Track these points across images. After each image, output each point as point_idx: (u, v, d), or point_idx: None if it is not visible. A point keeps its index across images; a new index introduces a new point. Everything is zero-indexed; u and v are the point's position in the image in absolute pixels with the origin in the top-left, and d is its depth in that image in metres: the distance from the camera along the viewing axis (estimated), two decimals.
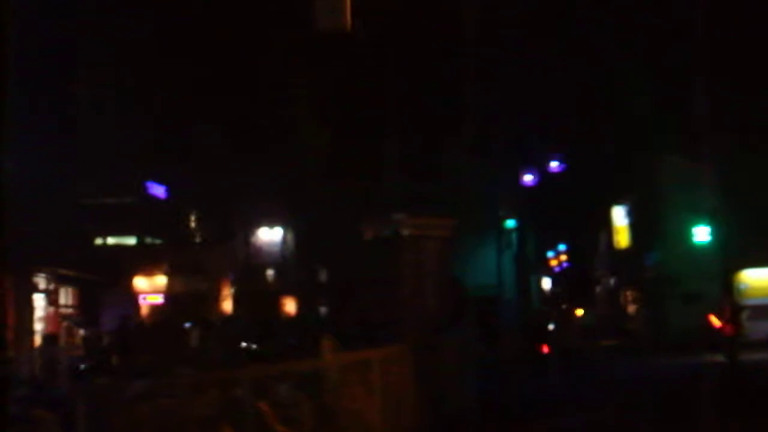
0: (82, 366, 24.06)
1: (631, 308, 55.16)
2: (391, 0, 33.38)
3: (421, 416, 15.18)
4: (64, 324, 34.55)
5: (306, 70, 39.05)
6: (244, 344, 31.54)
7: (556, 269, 76.37)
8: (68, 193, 37.99)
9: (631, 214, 52.68)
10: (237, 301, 46.46)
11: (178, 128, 40.32)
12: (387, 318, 17.24)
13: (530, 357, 31.17)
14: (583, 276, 71.01)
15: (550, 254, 72.94)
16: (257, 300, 45.09)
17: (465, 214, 38.57)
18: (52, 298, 34.49)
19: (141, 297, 42.37)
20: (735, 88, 39.92)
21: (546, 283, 74.97)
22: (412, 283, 15.19)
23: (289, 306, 48.93)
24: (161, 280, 43.05)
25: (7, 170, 7.64)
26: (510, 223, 40.36)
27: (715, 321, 28.30)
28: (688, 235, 43.65)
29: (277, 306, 47.80)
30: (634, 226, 52.33)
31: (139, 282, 42.84)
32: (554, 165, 37.72)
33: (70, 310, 36.37)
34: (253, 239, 50.12)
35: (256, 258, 49.91)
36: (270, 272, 50.45)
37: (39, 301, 33.32)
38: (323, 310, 46.88)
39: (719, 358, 27.76)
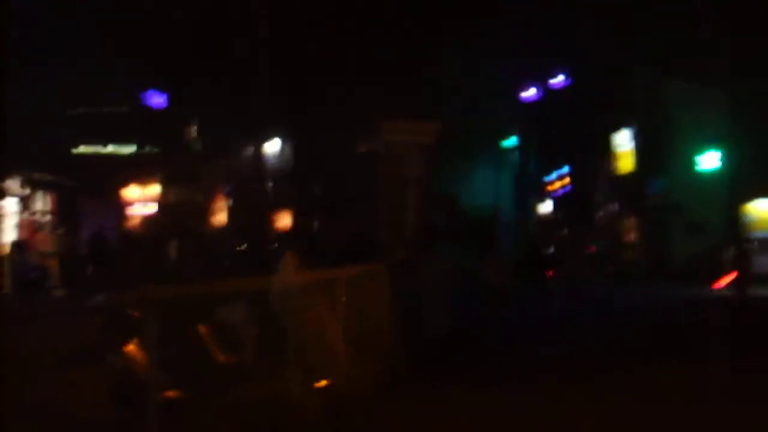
0: (32, 275, 22.78)
1: (632, 236, 53.81)
2: None
3: (395, 341, 13.66)
4: (40, 231, 33.18)
5: None
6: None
7: (557, 193, 74.48)
8: (57, 101, 36.42)
9: (636, 138, 50.85)
10: (231, 213, 45.47)
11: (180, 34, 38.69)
12: (369, 234, 15.76)
13: (527, 282, 29.58)
14: (586, 201, 69.69)
15: (551, 177, 71.05)
16: (251, 212, 44.10)
17: (462, 131, 37.05)
18: (26, 204, 33.02)
19: (130, 206, 41.08)
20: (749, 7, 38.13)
21: (546, 207, 73.33)
22: (391, 196, 13.54)
23: (285, 220, 48.03)
24: (154, 190, 41.76)
25: None
26: (511, 141, 38.56)
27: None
28: (694, 162, 42.12)
29: (271, 219, 46.92)
30: (639, 151, 50.54)
31: (131, 191, 41.44)
32: (558, 80, 35.70)
33: (46, 217, 34.92)
34: (250, 151, 49.03)
35: (253, 170, 48.93)
36: (267, 185, 49.53)
37: (12, 206, 31.85)
38: (316, 224, 45.83)
39: (725, 291, 26.50)
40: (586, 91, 46.23)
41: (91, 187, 38.15)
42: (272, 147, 48.69)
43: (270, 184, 48.58)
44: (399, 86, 35.61)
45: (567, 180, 72.91)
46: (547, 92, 36.59)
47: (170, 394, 8.90)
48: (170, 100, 42.16)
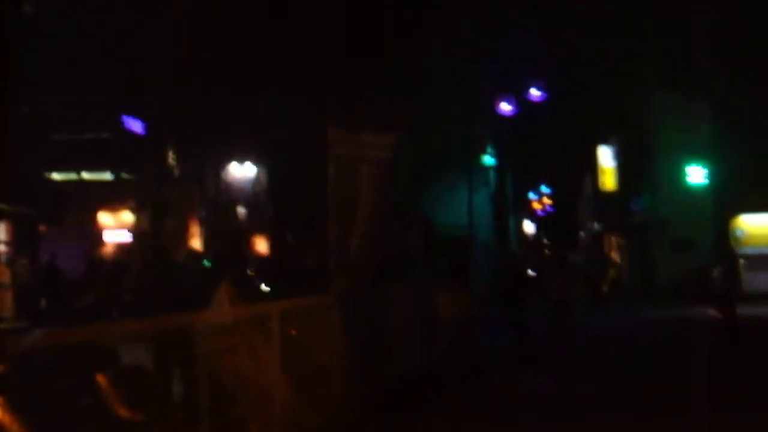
0: None
1: (615, 255, 52.48)
2: None
3: (348, 383, 12.02)
4: None
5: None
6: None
7: (540, 213, 73.37)
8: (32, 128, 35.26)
9: (619, 155, 49.51)
10: (206, 238, 44.35)
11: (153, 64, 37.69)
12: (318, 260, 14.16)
13: (505, 307, 28.08)
14: (569, 220, 68.79)
15: (532, 196, 69.90)
16: (227, 238, 43.03)
17: (438, 148, 35.63)
18: None
19: (103, 233, 39.99)
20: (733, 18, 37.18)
21: (529, 227, 72.20)
22: (339, 218, 11.93)
23: (261, 245, 46.83)
24: (128, 217, 40.70)
25: None
26: (488, 160, 37.05)
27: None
28: (679, 178, 40.84)
29: (247, 244, 45.79)
30: (622, 167, 49.18)
31: (105, 218, 40.31)
32: (535, 94, 34.16)
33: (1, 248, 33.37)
34: (224, 175, 47.94)
35: (227, 194, 47.86)
36: (241, 209, 48.41)
37: None
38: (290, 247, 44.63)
39: (712, 312, 25.08)
40: (566, 106, 44.99)
41: (63, 215, 37.06)
42: (246, 171, 47.60)
43: (243, 209, 47.52)
44: (370, 98, 34.33)
45: (548, 200, 71.89)
46: (526, 107, 35.16)
47: None
48: (147, 127, 41.31)
